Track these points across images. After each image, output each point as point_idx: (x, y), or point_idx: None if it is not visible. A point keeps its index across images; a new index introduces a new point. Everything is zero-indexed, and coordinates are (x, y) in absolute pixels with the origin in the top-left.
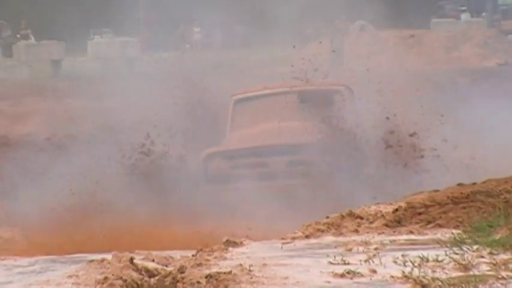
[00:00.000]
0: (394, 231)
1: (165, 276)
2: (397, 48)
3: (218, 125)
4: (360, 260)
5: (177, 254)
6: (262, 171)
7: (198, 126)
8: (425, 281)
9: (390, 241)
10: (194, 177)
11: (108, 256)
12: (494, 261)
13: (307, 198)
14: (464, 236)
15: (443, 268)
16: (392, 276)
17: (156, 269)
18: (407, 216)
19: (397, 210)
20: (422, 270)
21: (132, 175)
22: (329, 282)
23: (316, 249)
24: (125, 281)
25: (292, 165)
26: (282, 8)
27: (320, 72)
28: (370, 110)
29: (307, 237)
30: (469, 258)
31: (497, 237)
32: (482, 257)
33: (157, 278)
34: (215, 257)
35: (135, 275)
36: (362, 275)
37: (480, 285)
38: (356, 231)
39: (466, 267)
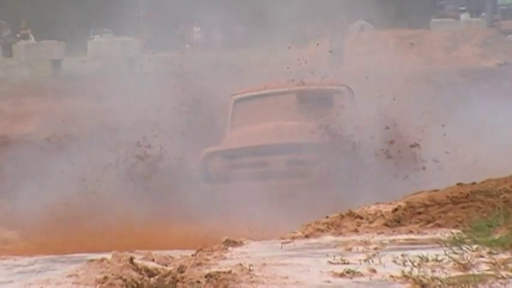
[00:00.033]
0: (393, 231)
1: (165, 276)
2: (396, 48)
3: (218, 125)
4: (360, 260)
5: (176, 254)
6: (262, 171)
7: (197, 125)
8: (424, 281)
9: (390, 241)
10: (193, 176)
11: (108, 256)
12: (493, 261)
13: (307, 198)
14: (463, 236)
15: (442, 268)
16: (391, 276)
17: (155, 269)
18: (406, 216)
19: (396, 209)
20: (421, 269)
21: (132, 175)
22: (329, 281)
23: (316, 249)
24: (125, 280)
25: (292, 165)
26: (281, 8)
27: (317, 73)
28: (369, 110)
29: (306, 236)
30: (469, 257)
31: (497, 236)
32: (482, 256)
33: (157, 277)
34: (215, 257)
35: (135, 274)
36: (362, 275)
37: (479, 285)
38: (356, 230)
39: (465, 267)
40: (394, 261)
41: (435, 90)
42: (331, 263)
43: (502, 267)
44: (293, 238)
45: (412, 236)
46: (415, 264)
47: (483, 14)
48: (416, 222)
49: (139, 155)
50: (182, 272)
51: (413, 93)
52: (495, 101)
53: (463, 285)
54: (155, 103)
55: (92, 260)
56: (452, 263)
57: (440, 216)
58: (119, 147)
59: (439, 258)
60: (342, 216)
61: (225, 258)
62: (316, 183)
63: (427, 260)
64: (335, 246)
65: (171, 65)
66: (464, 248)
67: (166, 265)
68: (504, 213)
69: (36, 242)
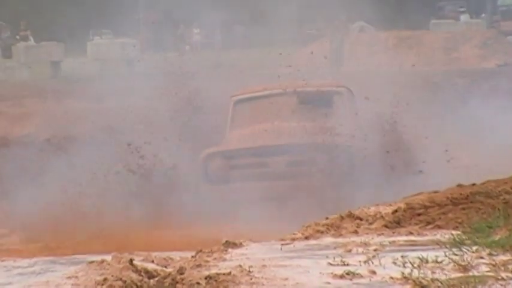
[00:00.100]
0: (393, 232)
1: (165, 277)
2: (396, 49)
3: (218, 125)
4: (360, 261)
5: (176, 255)
6: (261, 171)
7: (197, 126)
8: (424, 282)
9: (389, 242)
10: (194, 177)
11: (108, 257)
12: (493, 262)
13: (307, 199)
14: (463, 237)
15: (442, 269)
16: (391, 277)
17: (155, 270)
18: (406, 217)
19: (396, 211)
20: (421, 271)
21: (132, 175)
22: (328, 283)
23: (316, 250)
24: (125, 282)
25: (292, 166)
26: (281, 8)
27: (316, 74)
28: (369, 110)
29: (306, 238)
30: (469, 259)
31: (497, 238)
32: (482, 258)
33: (156, 279)
34: (214, 258)
35: (134, 276)
36: (361, 276)
37: (479, 286)
38: (355, 232)
39: (465, 268)
40: (394, 263)
41: (435, 91)
42: (331, 264)
43: (502, 268)
44: (293, 239)
45: (412, 238)
46: (415, 265)
47: (483, 15)
48: (416, 224)
49: (139, 155)
50: (182, 273)
51: (413, 94)
52: (495, 102)
53: (463, 286)
54: (155, 104)
55: (92, 262)
56: (452, 264)
57: (440, 218)
58: (119, 148)
59: (439, 259)
60: (342, 218)
61: (224, 260)
62: (316, 184)
63: (427, 262)
64: (335, 248)
65: (171, 66)
66: (464, 250)
67: (166, 267)
68: (504, 214)
69: (35, 243)
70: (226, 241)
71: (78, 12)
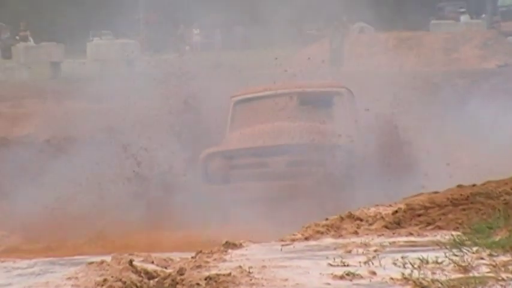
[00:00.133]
0: (393, 233)
1: (165, 278)
2: (396, 49)
3: (218, 125)
4: (360, 262)
5: (176, 256)
6: (261, 172)
7: (197, 126)
8: (424, 283)
9: (390, 243)
10: (192, 178)
11: (108, 258)
12: (493, 263)
13: (307, 199)
14: (463, 238)
15: (442, 270)
16: (391, 278)
17: (155, 271)
18: (406, 218)
19: (396, 212)
20: (421, 272)
21: (132, 175)
22: (328, 284)
23: (316, 251)
24: (124, 283)
25: (292, 166)
26: (281, 9)
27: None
28: (369, 111)
29: (306, 239)
30: (469, 260)
31: (497, 238)
32: (482, 258)
33: (156, 280)
34: (214, 259)
35: (134, 277)
36: (361, 277)
37: (480, 287)
38: (355, 233)
39: (465, 269)
40: (394, 264)
41: (435, 91)
42: (331, 265)
43: (502, 269)
44: (293, 240)
45: (412, 238)
46: (415, 266)
47: (483, 15)
48: (416, 224)
49: (139, 155)
50: (182, 274)
51: (413, 95)
52: (495, 103)
53: (463, 287)
54: (155, 104)
55: (92, 263)
56: (452, 265)
57: (440, 218)
58: (119, 148)
59: (439, 260)
60: (342, 218)
61: (224, 261)
62: (316, 185)
63: (427, 262)
64: (335, 249)
65: (171, 66)
66: (465, 250)
67: (165, 267)
68: (504, 215)
69: (34, 244)
70: (226, 242)
71: (78, 12)
